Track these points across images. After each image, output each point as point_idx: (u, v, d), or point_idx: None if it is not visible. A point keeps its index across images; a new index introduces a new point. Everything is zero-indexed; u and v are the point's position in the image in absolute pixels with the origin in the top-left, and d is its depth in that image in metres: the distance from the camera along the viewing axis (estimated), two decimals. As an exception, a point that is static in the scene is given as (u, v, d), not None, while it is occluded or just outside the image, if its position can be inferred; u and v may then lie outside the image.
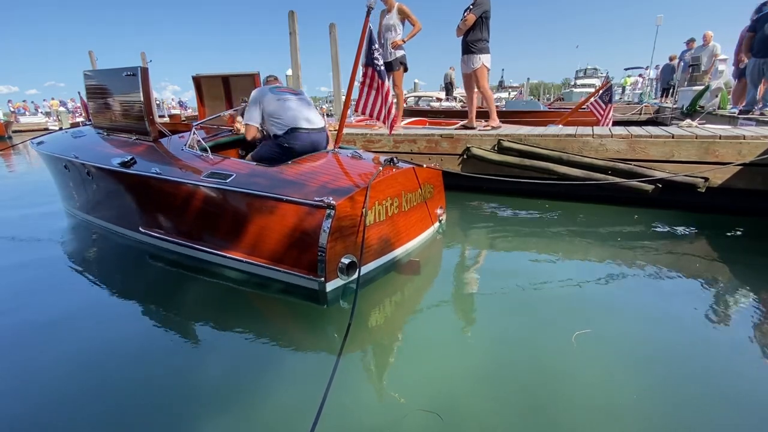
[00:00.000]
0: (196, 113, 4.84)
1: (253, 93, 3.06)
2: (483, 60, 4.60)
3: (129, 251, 3.12)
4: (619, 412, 1.48)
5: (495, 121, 4.91)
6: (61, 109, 19.96)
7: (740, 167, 3.52)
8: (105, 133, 3.67)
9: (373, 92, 3.34)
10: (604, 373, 1.68)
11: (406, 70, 5.19)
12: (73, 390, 1.67)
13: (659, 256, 2.92)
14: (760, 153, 3.46)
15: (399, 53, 4.98)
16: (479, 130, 4.76)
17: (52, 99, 22.94)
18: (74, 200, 3.82)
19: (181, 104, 25.03)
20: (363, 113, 3.60)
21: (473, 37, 4.56)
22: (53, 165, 3.89)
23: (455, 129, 5.09)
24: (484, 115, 5.26)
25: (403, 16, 4.86)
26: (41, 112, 21.50)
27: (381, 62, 3.31)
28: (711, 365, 1.74)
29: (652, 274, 2.61)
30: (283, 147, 2.92)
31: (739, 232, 3.30)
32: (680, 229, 3.38)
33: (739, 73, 6.58)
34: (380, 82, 3.30)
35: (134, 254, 3.06)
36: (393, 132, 3.88)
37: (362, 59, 3.28)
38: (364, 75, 3.35)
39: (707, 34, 8.92)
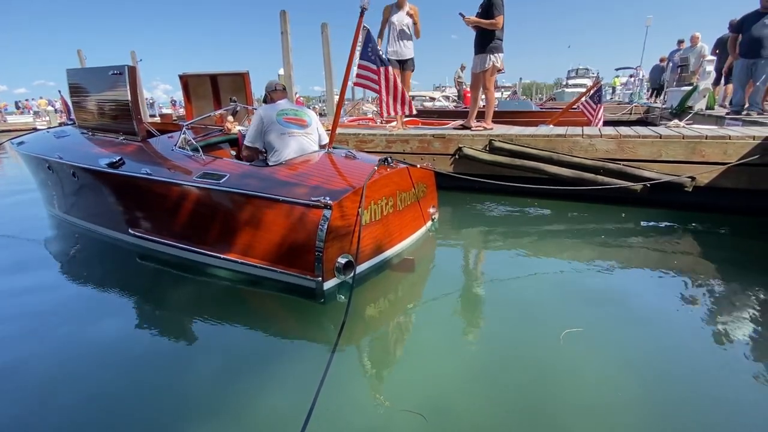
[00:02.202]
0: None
1: (260, 111, 2.95)
2: (494, 60, 4.43)
3: (117, 253, 3.08)
4: (607, 410, 1.50)
5: (489, 123, 4.93)
6: (50, 108, 19.64)
7: (726, 166, 3.57)
8: (90, 133, 3.61)
9: (392, 90, 3.49)
10: (592, 372, 1.70)
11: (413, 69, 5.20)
12: (64, 391, 1.65)
13: (647, 254, 2.95)
14: (745, 153, 3.51)
15: (412, 53, 4.95)
16: (471, 130, 4.78)
17: (41, 98, 22.54)
18: (57, 202, 3.75)
19: (173, 103, 24.76)
20: (390, 113, 3.77)
21: (487, 37, 4.35)
22: (35, 166, 3.79)
23: (451, 129, 5.10)
24: (478, 115, 5.28)
25: (414, 19, 4.81)
26: (31, 111, 21.14)
27: (386, 58, 3.44)
28: (698, 363, 1.77)
29: (640, 272, 2.64)
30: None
31: (725, 230, 3.36)
32: (668, 228, 3.43)
33: (721, 80, 6.60)
34: (394, 76, 3.44)
35: (123, 256, 3.03)
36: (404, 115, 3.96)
37: (372, 61, 3.31)
38: (384, 76, 3.42)
39: (695, 35, 9.05)
